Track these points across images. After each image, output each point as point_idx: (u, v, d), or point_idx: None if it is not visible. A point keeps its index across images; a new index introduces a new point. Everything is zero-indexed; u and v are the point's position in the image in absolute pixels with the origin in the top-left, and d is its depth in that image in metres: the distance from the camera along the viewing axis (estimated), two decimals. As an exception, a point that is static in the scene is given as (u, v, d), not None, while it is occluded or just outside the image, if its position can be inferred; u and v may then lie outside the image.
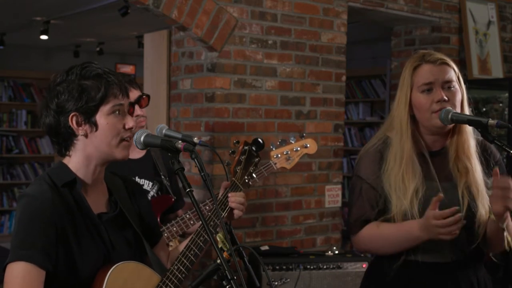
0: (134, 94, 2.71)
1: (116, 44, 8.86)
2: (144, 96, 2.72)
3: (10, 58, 8.97)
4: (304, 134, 2.91)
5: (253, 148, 2.30)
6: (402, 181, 2.14)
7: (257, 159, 2.30)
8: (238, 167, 2.20)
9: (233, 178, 2.18)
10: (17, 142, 8.71)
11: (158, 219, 2.82)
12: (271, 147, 2.80)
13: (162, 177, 2.88)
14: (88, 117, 1.76)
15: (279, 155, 2.78)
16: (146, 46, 5.48)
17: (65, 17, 6.86)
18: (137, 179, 2.82)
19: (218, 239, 2.28)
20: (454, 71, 2.20)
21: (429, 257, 2.16)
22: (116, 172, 2.01)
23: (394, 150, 2.19)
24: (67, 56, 8.96)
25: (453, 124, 2.16)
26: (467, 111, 2.21)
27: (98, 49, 8.79)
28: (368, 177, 2.20)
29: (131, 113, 2.64)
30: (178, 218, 2.74)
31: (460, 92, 2.20)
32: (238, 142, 2.29)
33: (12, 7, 6.42)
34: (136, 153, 2.83)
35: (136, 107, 2.70)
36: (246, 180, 2.22)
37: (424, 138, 2.21)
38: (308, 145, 2.87)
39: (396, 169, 2.16)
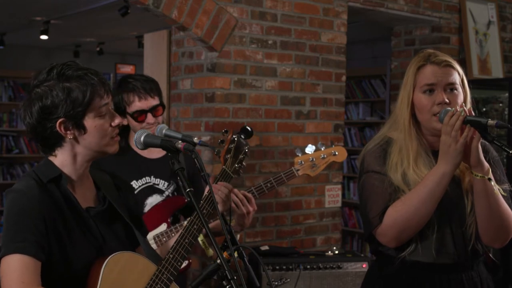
0: (149, 102, 2.73)
1: (116, 44, 8.87)
2: (159, 106, 2.76)
3: (10, 58, 8.98)
4: (335, 143, 2.80)
5: (242, 136, 2.29)
6: (413, 174, 2.13)
7: (246, 147, 2.29)
8: (228, 155, 2.20)
9: (223, 166, 2.18)
10: (17, 142, 8.71)
11: (169, 220, 2.82)
12: (296, 153, 2.71)
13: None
14: (76, 122, 1.76)
15: (303, 162, 2.69)
16: (146, 46, 5.48)
17: (65, 17, 6.86)
18: (152, 178, 2.83)
19: (199, 240, 2.28)
20: (458, 73, 2.19)
21: (432, 258, 2.16)
22: (113, 169, 2.02)
23: (399, 146, 2.19)
24: (67, 56, 8.98)
25: None
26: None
27: (98, 49, 8.81)
28: (375, 167, 2.19)
29: (141, 120, 2.68)
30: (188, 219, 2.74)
31: (463, 94, 2.20)
32: (227, 131, 2.28)
33: (12, 7, 6.43)
34: (156, 153, 2.84)
35: (149, 115, 2.74)
36: (237, 168, 2.22)
37: (425, 137, 2.21)
38: (337, 153, 2.74)
39: (403, 162, 2.15)
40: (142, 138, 1.85)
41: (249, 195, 2.41)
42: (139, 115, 2.72)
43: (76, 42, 8.83)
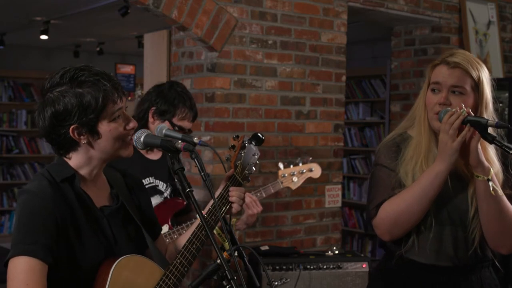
0: (190, 126, 2.88)
1: (116, 44, 8.87)
2: (191, 131, 2.94)
3: (10, 58, 8.98)
4: (311, 158, 3.07)
5: (253, 143, 2.30)
6: (420, 170, 2.13)
7: (256, 154, 2.29)
8: (238, 162, 2.20)
9: (234, 173, 2.18)
10: (17, 142, 8.72)
11: (170, 222, 2.82)
12: (279, 166, 2.97)
13: (175, 180, 2.90)
14: (90, 128, 1.75)
15: (286, 175, 2.95)
16: (146, 46, 5.49)
17: (65, 17, 6.86)
18: (152, 179, 2.85)
19: (215, 232, 2.28)
20: (472, 77, 2.13)
21: (428, 258, 2.16)
22: (124, 168, 2.01)
23: (415, 143, 2.19)
24: (67, 56, 8.96)
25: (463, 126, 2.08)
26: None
27: (98, 49, 8.80)
28: (386, 161, 2.20)
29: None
30: (188, 222, 2.75)
31: (475, 99, 2.16)
32: (238, 136, 2.29)
33: (12, 7, 6.43)
34: (154, 154, 2.86)
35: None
36: (246, 174, 2.22)
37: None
38: (313, 169, 3.01)
39: (415, 158, 2.16)
40: (142, 138, 1.84)
41: (254, 196, 2.63)
42: (179, 131, 2.82)
43: (76, 42, 8.82)
